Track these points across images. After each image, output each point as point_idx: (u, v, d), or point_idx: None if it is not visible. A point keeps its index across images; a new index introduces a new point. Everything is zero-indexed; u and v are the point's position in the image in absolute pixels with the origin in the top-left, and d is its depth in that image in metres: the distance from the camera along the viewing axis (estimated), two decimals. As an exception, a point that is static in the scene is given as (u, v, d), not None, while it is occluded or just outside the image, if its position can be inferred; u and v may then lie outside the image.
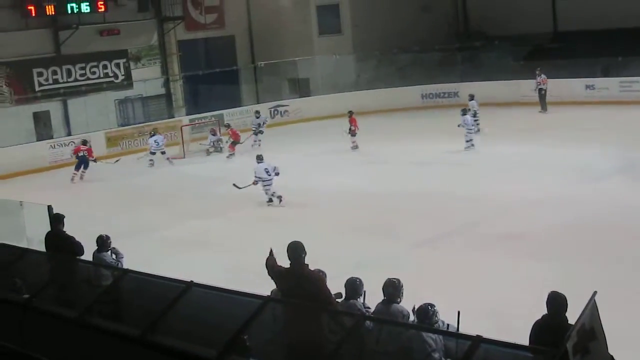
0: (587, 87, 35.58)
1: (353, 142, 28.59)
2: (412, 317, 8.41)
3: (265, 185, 21.19)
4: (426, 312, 8.14)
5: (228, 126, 31.42)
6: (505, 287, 13.29)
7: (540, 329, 7.52)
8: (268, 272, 8.71)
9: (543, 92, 34.52)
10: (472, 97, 30.92)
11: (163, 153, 29.49)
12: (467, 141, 26.85)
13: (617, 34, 36.85)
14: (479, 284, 13.52)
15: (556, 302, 7.55)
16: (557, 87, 35.91)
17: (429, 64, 39.49)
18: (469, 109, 28.99)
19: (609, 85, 34.88)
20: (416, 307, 8.34)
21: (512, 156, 24.74)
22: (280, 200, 21.10)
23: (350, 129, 28.69)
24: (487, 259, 15.13)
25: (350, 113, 29.05)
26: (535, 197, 19.50)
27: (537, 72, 34.78)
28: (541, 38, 41.13)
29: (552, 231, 16.65)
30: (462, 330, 7.57)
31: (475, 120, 28.84)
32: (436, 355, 7.26)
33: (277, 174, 21.11)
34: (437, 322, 8.18)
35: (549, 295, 7.62)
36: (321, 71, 39.71)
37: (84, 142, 28.15)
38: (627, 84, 34.60)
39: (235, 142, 29.87)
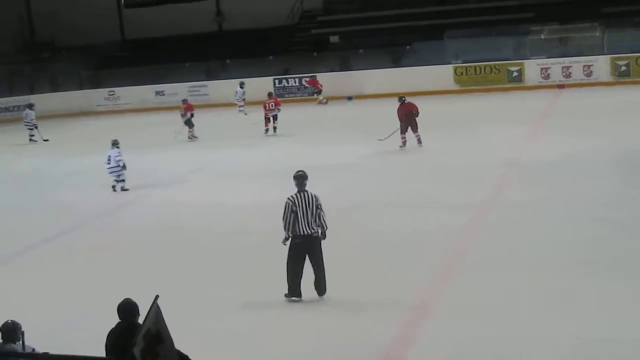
0: (157, 93, 36.64)
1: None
2: None
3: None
4: (13, 330, 7.75)
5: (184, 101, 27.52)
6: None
7: (115, 338, 7.54)
8: None
9: None
10: (30, 107, 29.67)
11: None
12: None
13: (178, 40, 38.64)
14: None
15: (127, 309, 7.60)
16: (128, 94, 36.76)
17: (-2, 79, 38.20)
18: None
19: (177, 90, 35.94)
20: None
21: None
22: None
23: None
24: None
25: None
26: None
27: None
28: (109, 47, 41.62)
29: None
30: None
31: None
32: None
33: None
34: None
35: (119, 304, 7.63)
36: None
37: None
38: (195, 88, 36.01)
39: None
